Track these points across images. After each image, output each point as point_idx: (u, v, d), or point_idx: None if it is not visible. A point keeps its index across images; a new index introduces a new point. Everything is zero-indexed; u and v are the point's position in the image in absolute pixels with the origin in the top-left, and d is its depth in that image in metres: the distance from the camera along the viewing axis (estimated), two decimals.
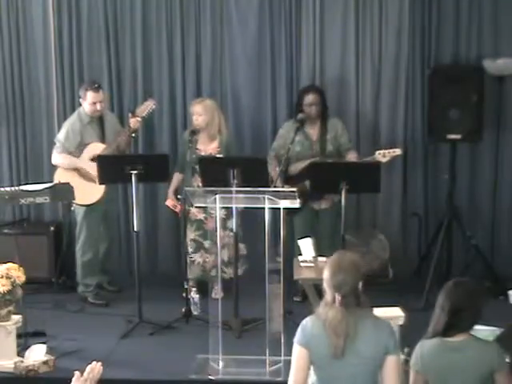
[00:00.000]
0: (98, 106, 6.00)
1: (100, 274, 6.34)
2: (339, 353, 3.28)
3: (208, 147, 6.05)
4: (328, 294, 3.35)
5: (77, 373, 2.96)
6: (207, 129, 6.00)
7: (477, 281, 3.57)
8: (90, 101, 5.98)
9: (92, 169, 5.88)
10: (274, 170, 5.83)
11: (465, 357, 3.28)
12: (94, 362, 3.00)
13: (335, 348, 3.28)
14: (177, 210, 6.10)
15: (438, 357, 3.31)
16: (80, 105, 6.15)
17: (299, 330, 3.42)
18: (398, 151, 5.84)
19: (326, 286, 3.36)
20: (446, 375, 3.30)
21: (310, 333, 3.36)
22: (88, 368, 2.98)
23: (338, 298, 3.30)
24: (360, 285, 3.35)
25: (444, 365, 3.30)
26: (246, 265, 6.03)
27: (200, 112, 5.96)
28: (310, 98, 5.96)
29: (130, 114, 6.13)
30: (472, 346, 3.30)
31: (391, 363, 3.31)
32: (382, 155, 5.76)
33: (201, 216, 6.08)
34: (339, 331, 3.27)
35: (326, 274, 3.35)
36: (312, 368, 3.41)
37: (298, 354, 3.39)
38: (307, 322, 3.42)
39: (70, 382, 3.02)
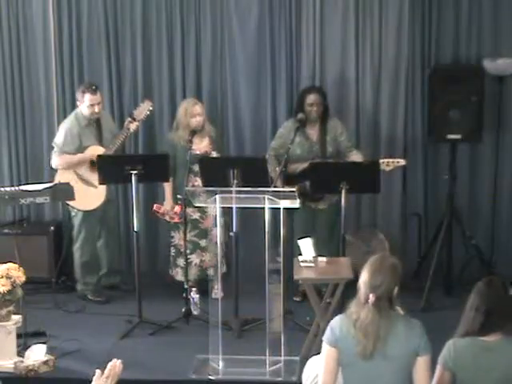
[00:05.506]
0: (96, 108, 6.01)
1: (110, 276, 6.39)
2: (368, 354, 3.29)
3: (201, 146, 6.05)
4: (362, 294, 3.36)
5: (98, 371, 2.94)
6: (203, 128, 6.02)
7: (504, 279, 3.56)
8: (87, 103, 5.97)
9: (92, 172, 5.91)
10: (274, 171, 5.82)
11: (499, 356, 3.30)
12: (115, 360, 2.98)
13: (364, 348, 3.29)
14: (174, 220, 6.07)
15: (473, 356, 3.32)
16: (77, 106, 6.15)
17: (328, 329, 3.43)
18: (402, 162, 5.82)
19: (362, 285, 3.37)
20: (478, 374, 3.31)
21: (338, 332, 3.37)
22: (109, 365, 2.96)
23: (372, 298, 3.31)
24: (396, 289, 3.38)
25: (478, 364, 3.31)
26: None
27: (200, 112, 5.99)
28: (311, 98, 5.95)
29: (128, 119, 6.11)
30: (505, 346, 3.32)
31: (422, 364, 3.33)
32: (386, 164, 5.73)
33: (196, 215, 6.07)
34: (369, 332, 3.28)
35: (364, 274, 3.37)
36: (340, 370, 3.41)
37: (328, 353, 3.39)
38: (336, 321, 3.43)
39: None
